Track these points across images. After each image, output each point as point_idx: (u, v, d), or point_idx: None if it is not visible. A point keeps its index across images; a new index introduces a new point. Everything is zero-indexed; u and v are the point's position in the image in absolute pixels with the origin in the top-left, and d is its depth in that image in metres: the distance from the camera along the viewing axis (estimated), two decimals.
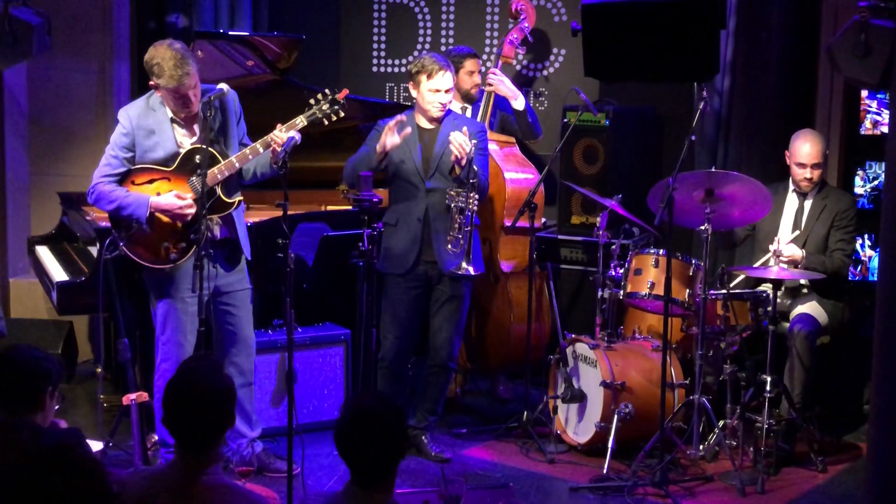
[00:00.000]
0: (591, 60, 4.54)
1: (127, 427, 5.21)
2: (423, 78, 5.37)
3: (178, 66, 4.73)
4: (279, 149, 4.80)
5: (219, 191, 4.90)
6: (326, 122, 4.99)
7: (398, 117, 5.34)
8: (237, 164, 4.89)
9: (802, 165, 5.70)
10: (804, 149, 5.69)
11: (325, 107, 4.96)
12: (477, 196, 5.24)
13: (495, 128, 6.40)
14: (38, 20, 5.23)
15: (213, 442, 3.12)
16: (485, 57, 7.36)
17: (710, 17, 4.31)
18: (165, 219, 4.89)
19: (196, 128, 4.97)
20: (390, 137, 5.28)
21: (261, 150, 4.88)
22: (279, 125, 4.87)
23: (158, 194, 4.89)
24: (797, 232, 5.70)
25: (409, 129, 5.33)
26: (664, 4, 4.32)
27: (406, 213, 5.45)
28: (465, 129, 5.29)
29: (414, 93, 5.45)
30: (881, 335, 3.05)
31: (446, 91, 5.39)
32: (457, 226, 5.26)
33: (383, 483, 3.05)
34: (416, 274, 5.47)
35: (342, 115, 5.00)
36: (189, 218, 4.88)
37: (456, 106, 5.46)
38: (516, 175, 6.32)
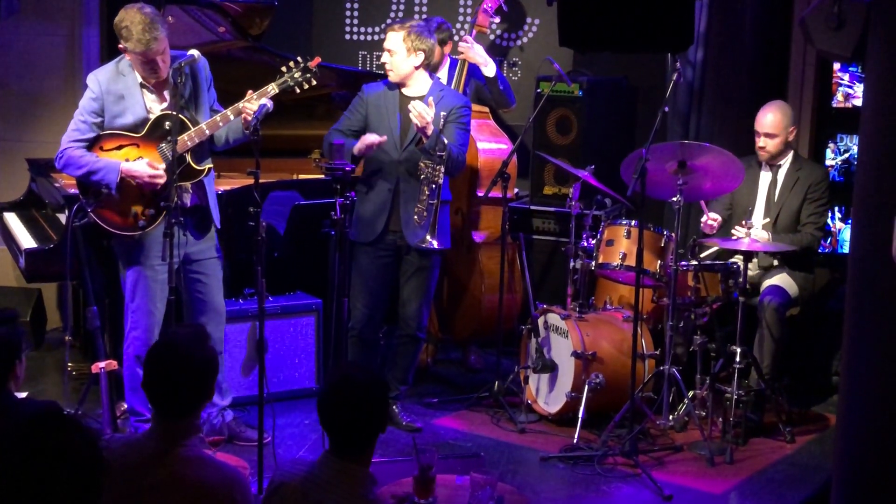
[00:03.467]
0: (566, 30, 4.52)
1: (96, 395, 5.19)
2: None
3: (146, 31, 4.68)
4: (250, 118, 4.76)
5: (188, 158, 4.86)
6: (298, 91, 4.96)
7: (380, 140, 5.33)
8: (207, 132, 4.85)
9: (757, 133, 5.73)
10: (760, 117, 5.74)
11: (297, 75, 4.93)
12: (443, 169, 5.20)
13: (470, 97, 6.37)
14: None
15: (190, 411, 3.11)
16: (458, 26, 7.32)
17: None
18: (135, 185, 4.84)
19: (166, 94, 4.92)
20: (371, 136, 5.30)
21: (231, 117, 4.84)
22: (250, 92, 4.83)
23: (128, 160, 4.84)
24: (768, 219, 5.72)
25: (385, 138, 5.32)
26: None
27: (378, 182, 5.42)
28: (430, 99, 5.25)
29: None
30: (851, 307, 3.06)
31: (387, 50, 5.34)
32: (423, 198, 5.24)
33: (362, 455, 3.06)
34: (385, 243, 5.45)
35: (314, 83, 4.97)
36: (158, 187, 4.83)
37: (423, 76, 5.40)
38: (489, 145, 6.30)
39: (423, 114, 5.16)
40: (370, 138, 5.29)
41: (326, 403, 3.06)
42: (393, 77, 5.39)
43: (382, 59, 5.40)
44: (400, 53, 5.33)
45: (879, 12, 3.12)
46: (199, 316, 5.11)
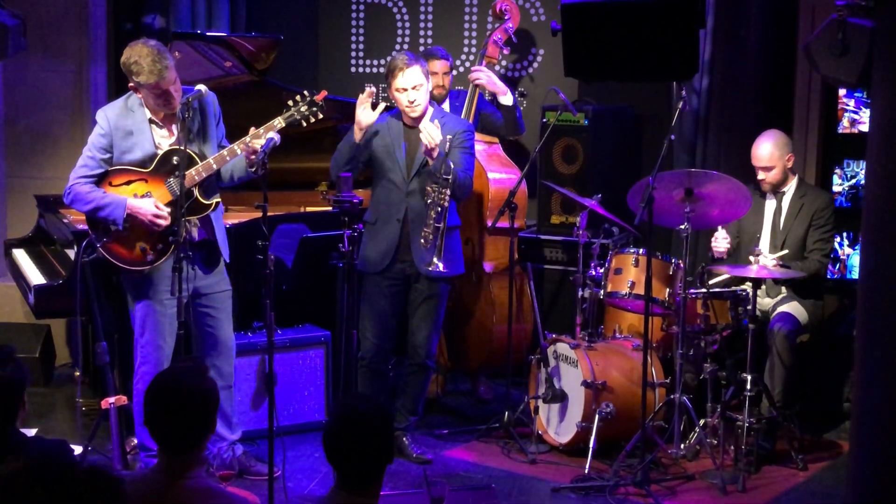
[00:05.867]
0: (571, 60, 4.54)
1: (106, 431, 5.18)
2: (392, 79, 5.32)
3: (156, 61, 4.70)
4: (253, 155, 4.77)
5: (196, 192, 4.87)
6: (305, 124, 4.97)
7: (369, 89, 5.29)
8: (215, 166, 4.87)
9: (755, 168, 5.75)
10: (754, 150, 5.76)
11: (303, 108, 4.94)
12: (448, 192, 5.21)
13: (476, 126, 6.39)
14: (14, 21, 5.18)
15: (194, 444, 3.11)
16: (463, 57, 7.36)
17: (690, 17, 4.31)
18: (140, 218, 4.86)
19: (175, 129, 4.93)
20: (363, 113, 5.27)
21: (238, 151, 4.85)
22: (252, 129, 4.84)
23: (136, 196, 4.86)
24: (786, 251, 5.71)
25: (382, 105, 5.30)
26: (644, 4, 4.33)
27: (386, 213, 5.42)
28: (436, 121, 5.26)
29: (391, 95, 5.41)
30: (862, 333, 3.05)
31: (413, 87, 5.30)
32: (430, 221, 5.24)
33: (370, 488, 3.04)
34: (394, 272, 5.46)
35: (321, 116, 4.98)
36: (160, 229, 4.84)
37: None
38: (499, 175, 6.31)
39: (431, 134, 5.17)
40: (364, 117, 5.27)
41: (330, 438, 3.04)
42: (419, 112, 5.35)
43: (410, 98, 5.31)
44: (425, 85, 5.34)
45: (883, 37, 3.13)
46: (208, 350, 5.11)
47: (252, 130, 4.84)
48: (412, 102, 5.31)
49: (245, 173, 4.96)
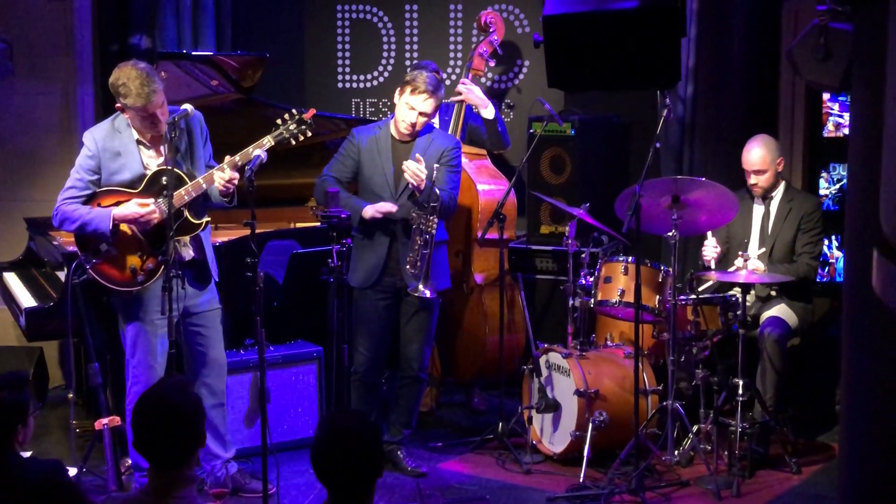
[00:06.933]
0: (554, 71, 4.56)
1: (100, 452, 5.19)
2: (409, 89, 5.33)
3: (144, 85, 4.72)
4: (229, 186, 4.82)
5: (186, 212, 4.88)
6: (293, 142, 4.99)
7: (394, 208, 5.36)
8: (204, 185, 4.88)
9: (746, 172, 5.78)
10: (746, 155, 5.79)
11: (292, 127, 4.96)
12: (436, 219, 5.25)
13: (464, 139, 6.41)
14: (1, 46, 5.21)
15: (183, 459, 3.12)
16: (450, 70, 7.38)
17: (671, 26, 4.33)
18: (129, 232, 4.86)
19: (163, 149, 4.94)
20: (385, 206, 5.34)
21: (227, 169, 4.86)
22: (227, 157, 4.86)
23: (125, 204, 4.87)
24: (763, 249, 5.75)
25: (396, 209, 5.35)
26: (625, 13, 4.35)
27: (374, 228, 5.44)
28: (417, 155, 5.28)
29: (397, 99, 5.42)
30: (848, 335, 3.07)
31: (420, 114, 5.34)
32: (416, 248, 5.27)
33: (363, 502, 3.04)
34: (384, 286, 5.47)
35: (309, 134, 5.00)
36: (154, 222, 4.84)
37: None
38: (488, 186, 6.34)
39: (416, 172, 5.19)
40: (386, 207, 5.33)
41: (318, 456, 3.04)
42: (413, 136, 5.41)
43: (412, 121, 5.34)
44: (429, 116, 5.39)
45: (861, 41, 3.16)
46: (200, 368, 5.12)
47: (226, 159, 4.87)
48: (412, 125, 5.36)
49: (219, 201, 4.97)
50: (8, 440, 3.54)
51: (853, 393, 3.05)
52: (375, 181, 5.41)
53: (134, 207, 4.84)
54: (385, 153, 5.43)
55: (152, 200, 4.85)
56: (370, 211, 5.33)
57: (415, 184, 5.21)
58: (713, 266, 5.66)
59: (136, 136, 4.93)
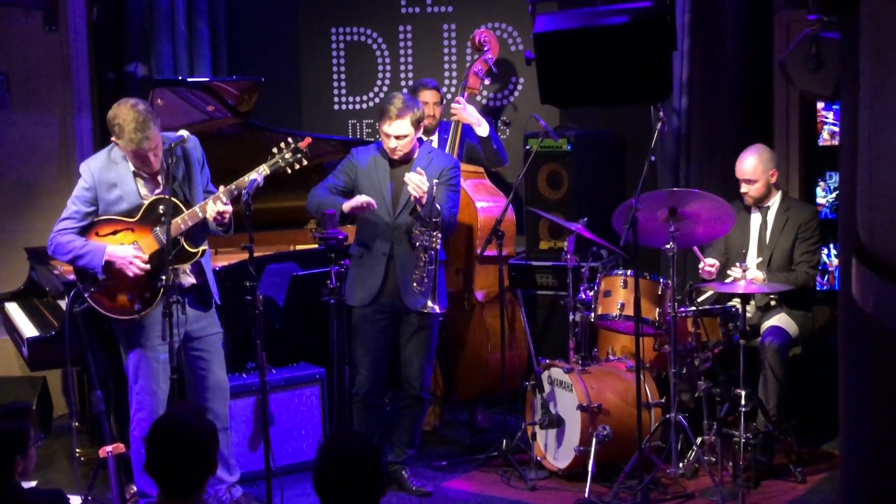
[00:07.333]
0: (547, 88, 4.59)
1: (105, 480, 5.17)
2: (382, 123, 5.39)
3: (138, 130, 4.73)
4: (221, 218, 4.85)
5: (182, 241, 4.90)
6: (290, 171, 5.01)
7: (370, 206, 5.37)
8: (200, 215, 4.89)
9: (739, 181, 5.80)
10: (738, 163, 5.82)
11: (287, 155, 4.98)
12: (440, 235, 5.26)
13: (462, 158, 6.44)
14: None
15: (196, 486, 3.13)
16: (445, 90, 7.41)
17: (661, 40, 4.37)
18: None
19: (160, 179, 4.96)
20: (361, 197, 5.35)
21: (223, 198, 4.87)
22: (222, 187, 4.88)
23: (123, 245, 4.88)
24: (760, 258, 5.76)
25: (375, 204, 5.36)
26: (615, 29, 4.38)
27: (372, 247, 5.45)
28: (419, 168, 5.30)
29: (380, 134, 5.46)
30: (844, 342, 3.08)
31: (397, 137, 5.35)
32: (421, 264, 5.27)
33: None
34: (382, 305, 5.48)
35: (305, 163, 5.02)
36: (141, 273, 4.86)
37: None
38: (487, 204, 6.36)
39: (419, 185, 5.21)
40: (362, 199, 5.33)
41: (320, 478, 3.05)
42: (400, 157, 5.43)
43: (392, 146, 5.37)
44: (410, 136, 5.40)
45: (848, 50, 3.17)
46: (203, 393, 5.12)
47: (220, 188, 4.89)
48: (394, 150, 5.39)
49: (216, 229, 4.99)
50: (8, 470, 3.55)
51: (850, 399, 3.05)
52: (374, 201, 5.42)
53: (127, 253, 4.86)
54: (383, 173, 5.45)
55: (147, 256, 4.86)
56: (348, 206, 5.33)
57: (417, 196, 5.22)
58: (714, 278, 5.68)
59: (132, 167, 4.94)
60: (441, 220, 5.25)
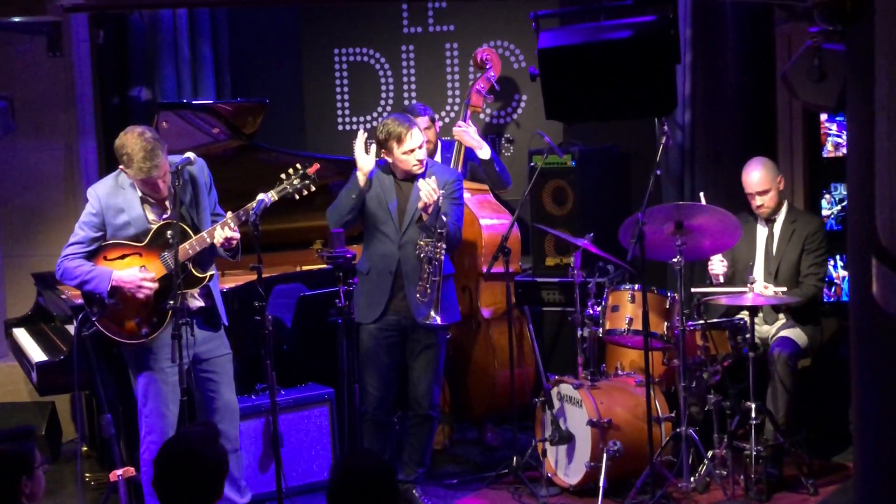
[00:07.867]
0: (551, 104, 4.59)
1: None
2: (394, 144, 5.36)
3: (146, 159, 4.75)
4: (229, 244, 4.87)
5: (190, 266, 4.90)
6: (297, 197, 5.02)
7: (362, 134, 5.38)
8: (208, 240, 4.90)
9: (750, 195, 5.81)
10: (746, 178, 5.81)
11: (296, 181, 5.00)
12: (444, 245, 5.26)
13: (465, 177, 6.44)
14: (2, 104, 5.26)
15: None
16: (448, 108, 7.43)
17: (665, 53, 4.36)
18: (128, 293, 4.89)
19: (168, 204, 4.97)
20: (364, 158, 5.35)
21: (232, 224, 4.89)
22: (230, 213, 4.89)
23: (129, 268, 4.89)
24: (768, 271, 5.75)
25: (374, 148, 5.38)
26: (618, 44, 4.39)
27: (378, 263, 5.45)
28: (433, 177, 5.32)
29: (389, 159, 5.43)
30: (856, 351, 3.07)
31: (420, 147, 5.37)
32: (426, 275, 5.27)
33: None
34: (388, 323, 5.47)
35: (313, 189, 5.04)
36: (145, 295, 4.86)
37: None
38: (491, 221, 6.36)
39: (431, 192, 5.22)
40: (365, 162, 5.36)
41: (333, 497, 3.05)
42: (421, 168, 5.43)
43: (419, 157, 5.36)
44: (424, 139, 5.42)
45: (854, 60, 3.18)
46: (212, 414, 5.12)
47: (227, 215, 4.91)
48: (420, 161, 5.40)
49: (224, 253, 5.00)
50: (14, 493, 3.53)
51: (863, 408, 3.04)
52: (379, 217, 5.43)
53: (133, 276, 4.86)
54: (389, 191, 5.46)
55: (153, 276, 4.87)
56: (362, 177, 5.37)
57: (429, 202, 5.22)
58: (722, 281, 5.68)
59: (140, 192, 4.96)
60: (446, 231, 5.25)
